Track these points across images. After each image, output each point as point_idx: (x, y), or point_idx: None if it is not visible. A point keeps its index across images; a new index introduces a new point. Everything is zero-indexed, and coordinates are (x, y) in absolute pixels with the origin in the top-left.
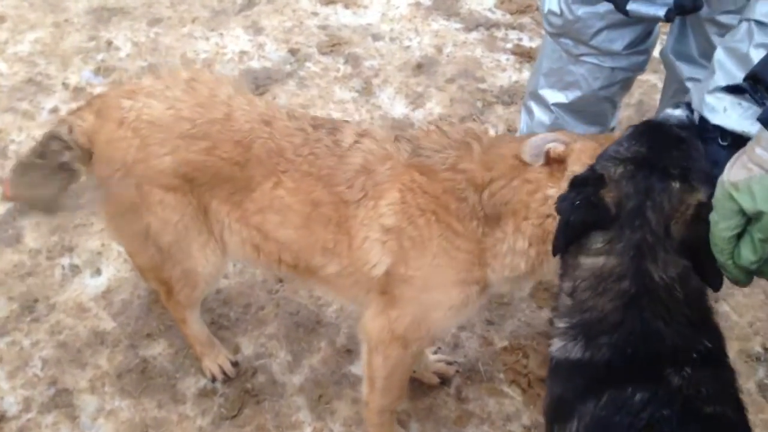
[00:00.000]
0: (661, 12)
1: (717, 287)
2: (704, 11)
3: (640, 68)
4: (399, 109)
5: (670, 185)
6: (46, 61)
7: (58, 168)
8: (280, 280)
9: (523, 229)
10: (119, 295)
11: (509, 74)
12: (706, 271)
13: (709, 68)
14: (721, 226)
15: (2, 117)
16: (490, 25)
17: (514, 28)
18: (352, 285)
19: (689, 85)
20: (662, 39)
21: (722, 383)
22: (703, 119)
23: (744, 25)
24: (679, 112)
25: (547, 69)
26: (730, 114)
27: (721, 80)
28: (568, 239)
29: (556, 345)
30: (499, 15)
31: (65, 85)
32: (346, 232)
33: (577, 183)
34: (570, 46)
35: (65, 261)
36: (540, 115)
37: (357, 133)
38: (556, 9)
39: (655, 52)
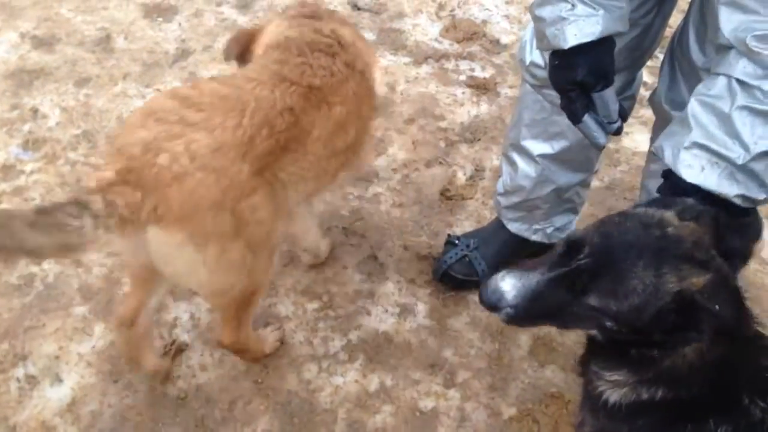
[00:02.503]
0: (602, 140)
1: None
2: (699, 60)
3: (627, 115)
4: None
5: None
6: None
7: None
8: (264, 366)
9: None
10: (87, 406)
11: (467, 109)
12: None
13: (681, 120)
14: None
15: None
16: (440, 57)
17: (464, 58)
18: None
19: (657, 140)
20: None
21: None
22: (672, 175)
23: (722, 80)
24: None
25: (529, 120)
26: (708, 173)
27: (698, 137)
28: None
29: (618, 393)
30: (446, 45)
31: None
32: None
33: None
34: (554, 97)
35: (20, 372)
36: (524, 166)
37: None
38: (539, 61)
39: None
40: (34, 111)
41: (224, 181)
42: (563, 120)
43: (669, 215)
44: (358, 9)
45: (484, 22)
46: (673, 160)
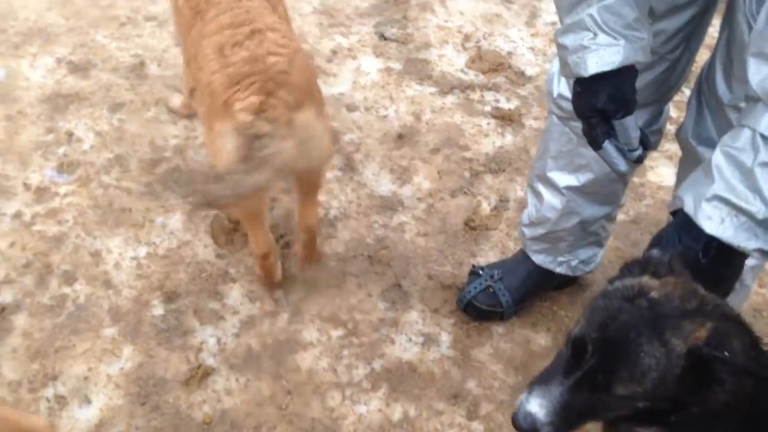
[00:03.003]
0: (623, 167)
1: None
2: (726, 97)
3: (653, 149)
4: (385, 185)
5: None
6: (1, 159)
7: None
8: (289, 392)
9: None
10: (114, 428)
11: (492, 140)
12: None
13: (705, 169)
14: None
15: None
16: (465, 87)
17: (489, 89)
18: None
19: (680, 188)
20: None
21: None
22: (691, 224)
23: (747, 133)
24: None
25: (555, 152)
26: (727, 226)
27: (720, 189)
28: None
29: None
30: (471, 76)
31: (27, 186)
32: None
33: None
34: (580, 129)
35: (49, 392)
36: (550, 198)
37: None
38: (566, 94)
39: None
40: (69, 135)
41: (310, 69)
42: (589, 152)
43: (646, 280)
44: (385, 39)
45: (510, 53)
46: (694, 210)
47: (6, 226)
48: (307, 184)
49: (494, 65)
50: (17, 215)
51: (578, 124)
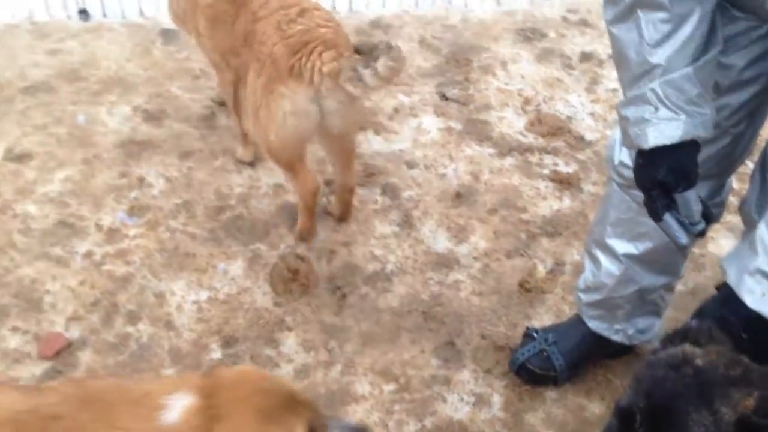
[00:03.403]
0: (684, 240)
1: None
2: None
3: (715, 221)
4: (442, 243)
5: None
6: (77, 201)
7: None
8: None
9: None
10: None
11: (550, 203)
12: None
13: (751, 242)
14: None
15: (35, 265)
16: (524, 150)
17: (548, 153)
18: None
19: (725, 259)
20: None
21: None
22: (734, 296)
23: None
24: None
25: (614, 219)
26: None
27: (763, 263)
28: None
29: None
30: (531, 138)
31: (98, 227)
32: None
33: None
34: (641, 197)
35: None
36: (608, 265)
37: None
38: (627, 161)
39: None
40: (141, 180)
41: (349, 39)
42: (649, 221)
43: (689, 348)
44: (447, 99)
45: (569, 118)
46: (737, 282)
47: (77, 265)
48: (345, 148)
49: (554, 129)
50: (88, 254)
51: (639, 193)
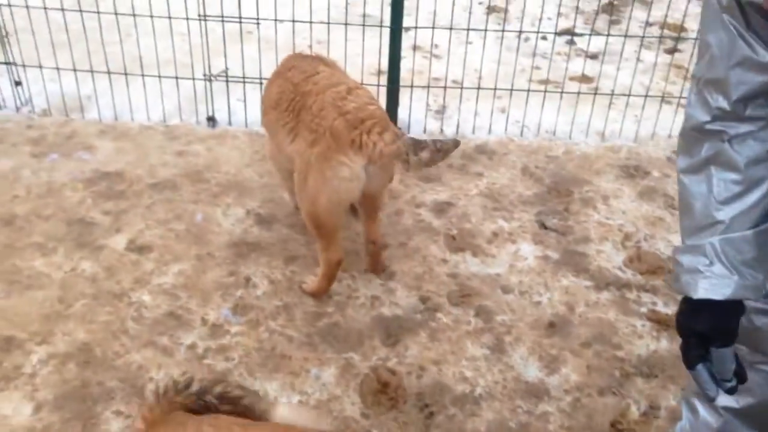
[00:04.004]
0: (713, 394)
1: None
2: None
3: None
4: (532, 372)
5: None
6: (187, 294)
7: None
8: None
9: None
10: None
11: (646, 342)
12: None
13: None
14: None
15: (143, 352)
16: (621, 285)
17: (646, 291)
18: None
19: None
20: None
21: None
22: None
23: None
24: None
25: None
26: None
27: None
28: None
29: None
30: (629, 275)
31: (204, 321)
32: None
33: None
34: (745, 352)
35: None
36: (706, 416)
37: None
38: None
39: None
40: (247, 279)
41: None
42: (752, 376)
43: None
44: (546, 228)
45: (670, 258)
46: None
47: (181, 355)
48: (375, 205)
49: (653, 267)
50: (192, 346)
51: (742, 347)
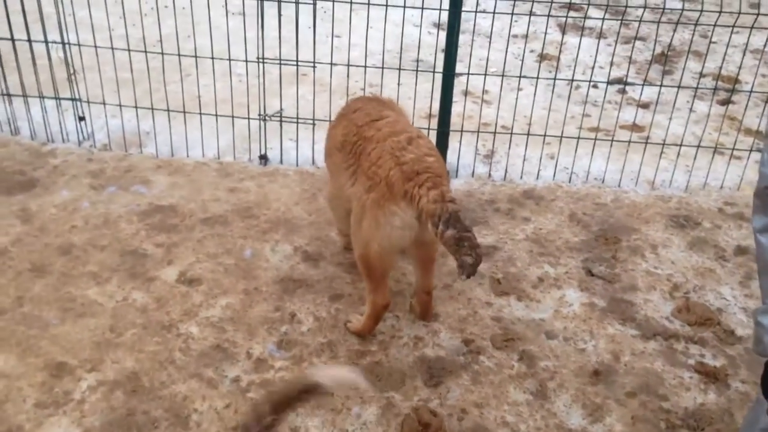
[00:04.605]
0: None
1: None
2: None
3: None
4: (576, 419)
5: None
6: (234, 328)
7: None
8: None
9: None
10: None
11: (694, 395)
12: None
13: None
14: None
15: (188, 383)
16: (669, 336)
17: (695, 342)
18: None
19: None
20: None
21: None
22: None
23: None
24: None
25: (765, 425)
26: None
27: None
28: None
29: None
30: (677, 325)
31: (249, 355)
32: None
33: None
34: None
35: None
36: None
37: None
38: None
39: None
40: (293, 315)
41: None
42: None
43: None
44: (592, 275)
45: (719, 310)
46: None
47: (225, 388)
48: (428, 254)
49: (702, 319)
50: (236, 380)
51: None
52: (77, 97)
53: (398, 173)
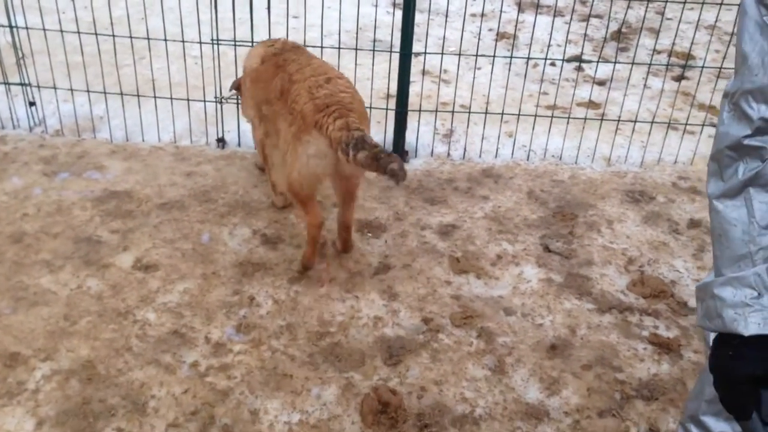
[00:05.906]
0: None
1: None
2: None
3: None
4: (533, 393)
5: None
6: (192, 313)
7: None
8: None
9: None
10: None
11: (647, 366)
12: None
13: None
14: None
15: (146, 369)
16: (624, 309)
17: (648, 314)
18: None
19: None
20: None
21: None
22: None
23: None
24: None
25: (710, 396)
26: None
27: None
28: None
29: None
30: (632, 298)
31: (207, 340)
32: None
33: None
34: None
35: None
36: None
37: None
38: None
39: None
40: (251, 299)
41: (363, 103)
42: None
43: None
44: (549, 251)
45: (673, 282)
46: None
47: (183, 373)
48: (349, 190)
49: (656, 291)
50: (194, 365)
51: None
52: (27, 81)
53: (311, 106)
